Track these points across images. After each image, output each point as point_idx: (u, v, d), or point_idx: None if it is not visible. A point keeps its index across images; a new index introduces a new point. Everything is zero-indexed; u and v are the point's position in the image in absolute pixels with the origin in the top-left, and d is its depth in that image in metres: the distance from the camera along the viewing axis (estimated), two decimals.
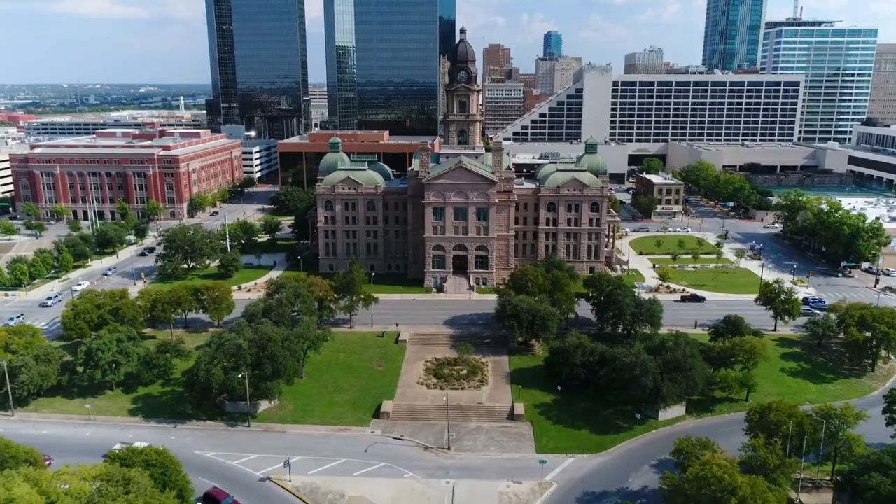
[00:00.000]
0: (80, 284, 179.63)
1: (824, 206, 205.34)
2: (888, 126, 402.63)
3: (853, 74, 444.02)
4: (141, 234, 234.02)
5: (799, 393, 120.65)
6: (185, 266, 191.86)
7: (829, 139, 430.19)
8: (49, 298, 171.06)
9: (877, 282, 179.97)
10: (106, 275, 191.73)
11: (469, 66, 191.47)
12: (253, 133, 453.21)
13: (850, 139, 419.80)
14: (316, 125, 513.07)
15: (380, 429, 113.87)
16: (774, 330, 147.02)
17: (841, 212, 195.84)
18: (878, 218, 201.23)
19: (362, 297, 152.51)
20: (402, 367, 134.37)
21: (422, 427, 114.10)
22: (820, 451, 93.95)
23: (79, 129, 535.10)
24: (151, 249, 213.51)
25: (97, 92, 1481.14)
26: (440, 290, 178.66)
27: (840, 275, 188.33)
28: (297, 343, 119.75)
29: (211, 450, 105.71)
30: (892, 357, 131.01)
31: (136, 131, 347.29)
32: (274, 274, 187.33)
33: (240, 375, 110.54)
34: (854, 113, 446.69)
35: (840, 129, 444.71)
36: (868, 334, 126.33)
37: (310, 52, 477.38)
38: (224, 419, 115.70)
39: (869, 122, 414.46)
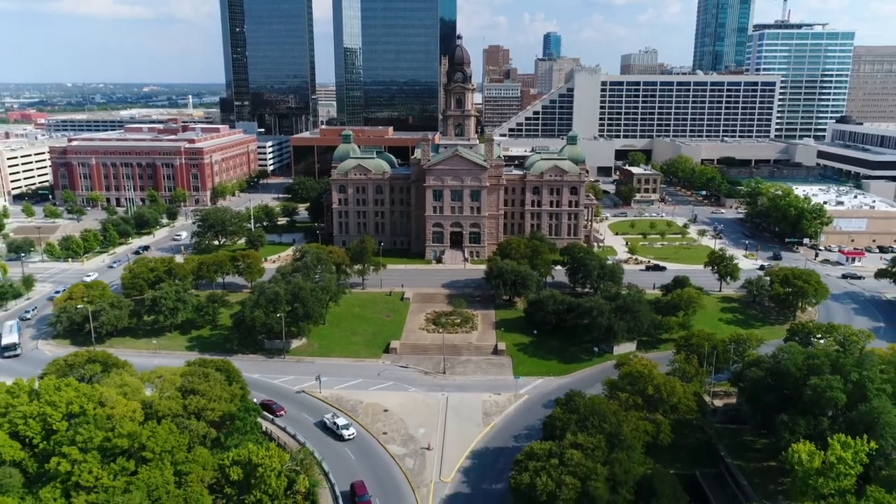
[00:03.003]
0: (90, 275, 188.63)
1: (779, 193, 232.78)
2: (860, 124, 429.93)
3: (831, 75, 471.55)
4: (172, 217, 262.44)
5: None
6: (217, 242, 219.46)
7: (810, 136, 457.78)
8: (142, 247, 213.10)
9: (816, 255, 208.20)
10: (137, 253, 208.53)
11: (465, 68, 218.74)
12: (262, 130, 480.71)
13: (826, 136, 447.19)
14: (323, 122, 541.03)
15: (389, 360, 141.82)
16: (720, 290, 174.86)
17: (790, 196, 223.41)
18: (824, 203, 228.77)
19: (373, 263, 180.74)
20: (407, 317, 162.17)
21: (423, 359, 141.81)
22: (731, 368, 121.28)
23: (97, 126, 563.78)
24: (146, 248, 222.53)
25: (101, 91, 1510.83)
26: (439, 261, 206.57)
27: (786, 250, 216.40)
28: (321, 294, 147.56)
29: (256, 373, 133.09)
30: (809, 308, 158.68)
31: (161, 127, 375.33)
32: (294, 250, 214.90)
33: (277, 315, 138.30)
34: (832, 111, 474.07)
35: (819, 126, 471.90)
36: (789, 290, 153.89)
37: (316, 52, 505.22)
38: (263, 353, 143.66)
39: (843, 119, 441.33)
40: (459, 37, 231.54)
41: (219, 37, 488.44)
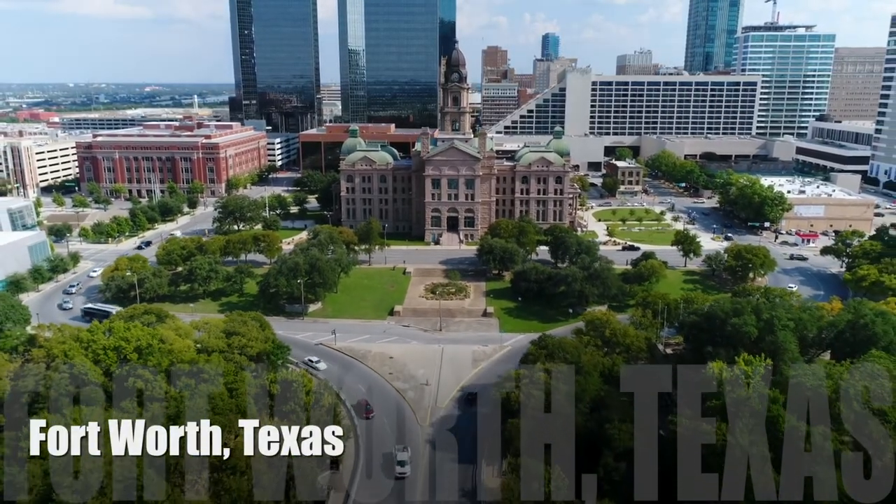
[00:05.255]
0: (94, 273, 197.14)
1: (746, 183, 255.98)
2: (839, 122, 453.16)
3: (813, 75, 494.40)
4: (192, 205, 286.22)
5: None
6: (236, 227, 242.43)
7: (792, 133, 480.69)
8: (145, 243, 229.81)
9: (776, 237, 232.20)
10: (139, 248, 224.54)
11: (461, 69, 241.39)
12: (269, 128, 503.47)
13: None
14: (328, 120, 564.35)
15: (393, 321, 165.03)
16: (685, 266, 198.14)
17: (755, 186, 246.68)
18: (788, 192, 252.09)
19: (378, 243, 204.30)
20: (408, 287, 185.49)
21: (422, 320, 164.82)
22: (681, 321, 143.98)
23: (108, 125, 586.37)
24: (148, 243, 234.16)
25: (104, 90, 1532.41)
26: (437, 243, 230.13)
27: (750, 233, 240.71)
28: (334, 265, 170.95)
29: (279, 330, 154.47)
30: (759, 278, 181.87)
31: (177, 124, 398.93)
32: (306, 234, 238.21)
33: (298, 282, 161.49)
34: (815, 110, 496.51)
35: (802, 124, 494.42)
36: (740, 262, 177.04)
37: (321, 53, 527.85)
38: (284, 315, 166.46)
39: (822, 118, 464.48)
40: (456, 41, 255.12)
41: (221, 38, 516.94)
